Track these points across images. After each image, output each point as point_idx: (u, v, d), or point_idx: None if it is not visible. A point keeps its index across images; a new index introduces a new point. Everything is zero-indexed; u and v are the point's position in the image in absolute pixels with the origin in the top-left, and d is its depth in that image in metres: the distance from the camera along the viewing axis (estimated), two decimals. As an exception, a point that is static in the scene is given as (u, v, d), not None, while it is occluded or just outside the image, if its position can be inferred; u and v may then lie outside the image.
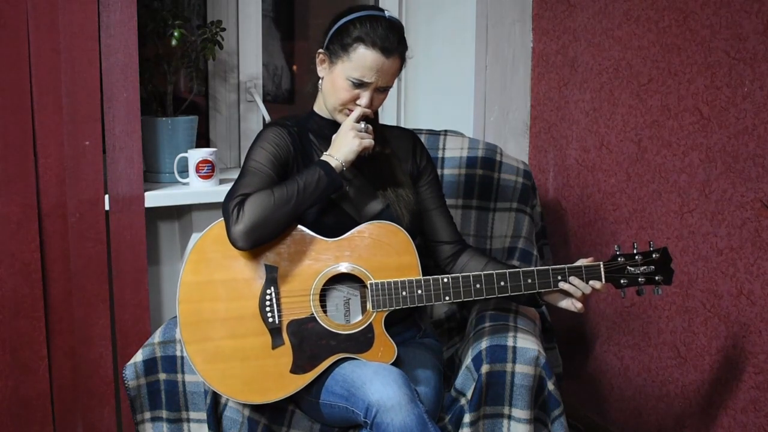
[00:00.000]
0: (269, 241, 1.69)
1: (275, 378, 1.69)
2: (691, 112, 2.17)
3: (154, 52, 2.22)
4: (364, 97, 1.73)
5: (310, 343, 1.71)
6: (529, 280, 1.73)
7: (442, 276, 1.73)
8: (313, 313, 1.72)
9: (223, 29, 2.24)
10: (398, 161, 1.88)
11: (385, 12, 1.76)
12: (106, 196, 1.99)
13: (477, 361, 1.72)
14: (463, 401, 1.74)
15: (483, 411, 1.71)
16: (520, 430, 1.69)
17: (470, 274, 1.74)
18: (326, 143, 1.79)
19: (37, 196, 1.92)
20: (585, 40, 2.50)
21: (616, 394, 2.49)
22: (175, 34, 2.10)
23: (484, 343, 1.75)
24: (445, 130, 2.35)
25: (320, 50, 1.77)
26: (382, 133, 1.88)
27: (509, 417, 1.70)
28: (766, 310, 2.03)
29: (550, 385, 1.73)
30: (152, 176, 2.20)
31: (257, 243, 1.66)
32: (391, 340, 1.72)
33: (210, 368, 1.68)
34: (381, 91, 1.76)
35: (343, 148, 1.71)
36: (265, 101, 2.56)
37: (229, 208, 1.65)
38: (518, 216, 2.25)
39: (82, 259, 1.97)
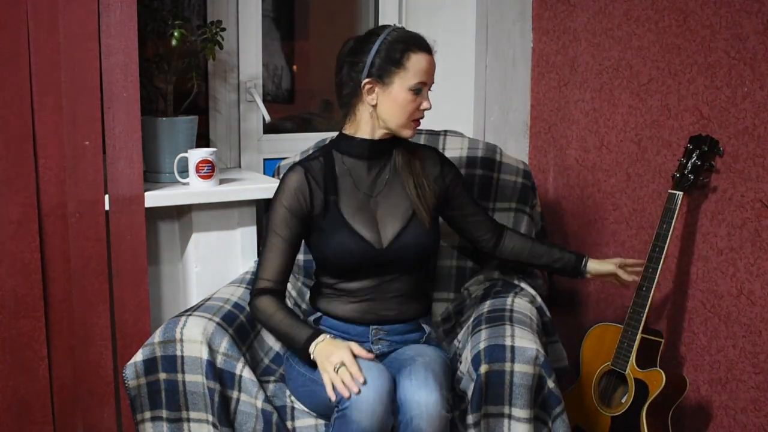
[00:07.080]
0: None
1: None
2: (691, 112, 2.17)
3: (154, 52, 2.22)
4: (426, 101, 1.80)
5: None
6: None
7: None
8: None
9: (223, 29, 2.24)
10: (425, 177, 1.91)
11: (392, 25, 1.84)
12: (106, 196, 1.98)
13: (476, 362, 1.72)
14: (464, 402, 1.74)
15: (483, 411, 1.71)
16: (521, 430, 1.70)
17: None
18: (354, 159, 1.85)
19: (37, 196, 1.92)
20: (585, 40, 2.50)
21: (616, 394, 2.48)
22: (175, 34, 2.09)
23: (482, 344, 1.75)
24: (445, 130, 2.34)
25: (366, 80, 1.77)
26: (408, 149, 1.92)
27: (509, 416, 1.70)
28: (766, 310, 2.03)
29: (550, 383, 1.73)
30: (152, 176, 2.20)
31: None
32: None
33: None
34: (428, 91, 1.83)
35: (326, 354, 1.68)
36: (265, 101, 2.56)
37: (252, 287, 1.86)
38: (518, 216, 2.25)
39: (82, 259, 1.97)
